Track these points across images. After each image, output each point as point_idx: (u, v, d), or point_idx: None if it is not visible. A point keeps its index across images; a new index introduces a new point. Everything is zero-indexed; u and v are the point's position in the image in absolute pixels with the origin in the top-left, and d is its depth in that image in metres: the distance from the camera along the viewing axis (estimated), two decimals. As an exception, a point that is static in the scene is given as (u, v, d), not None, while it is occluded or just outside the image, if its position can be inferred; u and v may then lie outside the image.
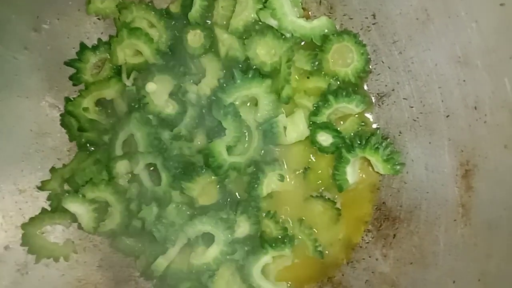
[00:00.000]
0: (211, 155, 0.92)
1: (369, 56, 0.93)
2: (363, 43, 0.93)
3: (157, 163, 0.95)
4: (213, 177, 0.98)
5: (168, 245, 0.97)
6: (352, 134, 0.95)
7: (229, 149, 0.94)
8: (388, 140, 0.93)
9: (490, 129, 0.78)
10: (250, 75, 0.92)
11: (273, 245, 0.96)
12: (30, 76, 1.03)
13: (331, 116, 0.95)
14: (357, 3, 0.93)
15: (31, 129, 1.06)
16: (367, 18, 0.93)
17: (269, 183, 0.97)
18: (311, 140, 0.96)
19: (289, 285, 1.02)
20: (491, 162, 0.80)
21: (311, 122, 0.96)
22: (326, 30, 0.92)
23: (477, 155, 0.81)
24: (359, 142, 0.91)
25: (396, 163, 0.90)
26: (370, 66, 0.96)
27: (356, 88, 0.95)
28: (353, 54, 0.92)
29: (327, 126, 0.94)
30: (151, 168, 0.99)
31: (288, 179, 0.99)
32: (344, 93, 0.92)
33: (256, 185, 0.96)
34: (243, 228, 0.98)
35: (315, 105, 0.95)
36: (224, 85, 0.91)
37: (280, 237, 0.98)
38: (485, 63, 0.77)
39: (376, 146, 0.89)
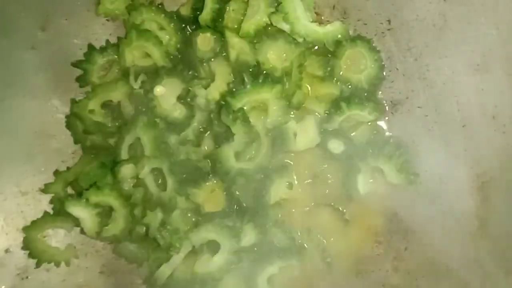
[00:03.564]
0: (219, 161, 0.90)
1: (383, 63, 0.91)
2: (377, 49, 0.91)
3: (163, 167, 0.93)
4: (220, 184, 0.96)
5: (172, 252, 0.95)
6: (364, 142, 0.93)
7: (237, 155, 0.92)
8: (402, 149, 0.91)
9: (509, 140, 0.76)
10: (260, 80, 0.91)
11: (280, 255, 0.93)
12: (36, 75, 1.02)
13: (343, 123, 0.93)
14: (371, 8, 0.91)
15: (35, 130, 1.05)
16: (382, 23, 0.91)
17: (277, 191, 0.95)
18: (322, 148, 0.94)
19: (295, 296, 0.99)
20: (509, 174, 0.77)
21: (322, 129, 0.94)
22: (339, 36, 0.90)
23: (494, 167, 0.79)
24: (371, 151, 0.89)
25: (410, 173, 0.87)
26: (384, 73, 0.94)
27: (369, 96, 0.93)
28: (367, 61, 0.91)
29: (338, 133, 0.92)
30: (156, 173, 0.97)
31: (297, 187, 0.96)
32: (356, 100, 0.90)
33: (264, 193, 0.94)
34: (249, 236, 0.96)
35: (326, 111, 0.93)
36: (234, 89, 0.90)
37: (287, 246, 0.95)
38: (506, 71, 0.75)
39: (389, 155, 0.87)
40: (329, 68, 0.93)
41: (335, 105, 0.92)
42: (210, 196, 0.97)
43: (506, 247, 0.78)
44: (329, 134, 0.93)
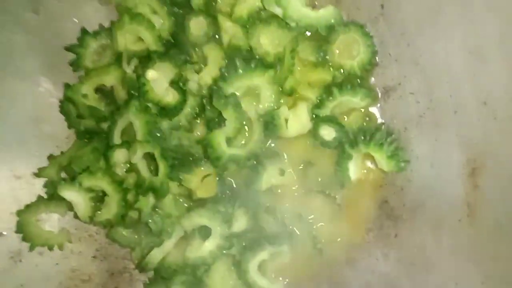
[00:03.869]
0: (210, 146, 0.90)
1: (376, 48, 0.90)
2: (370, 34, 0.90)
3: (155, 152, 0.92)
4: (212, 169, 0.96)
5: (163, 237, 0.95)
6: (356, 129, 0.92)
7: (229, 141, 0.91)
8: (393, 136, 0.90)
9: (501, 126, 0.75)
10: (252, 65, 0.90)
11: (271, 241, 0.93)
12: (28, 59, 1.01)
13: (335, 109, 0.93)
14: (365, -8, 0.90)
15: (29, 115, 1.04)
16: (375, 8, 0.90)
17: (269, 177, 0.94)
18: (314, 134, 0.93)
19: (286, 283, 0.99)
20: (500, 160, 0.76)
21: (314, 115, 0.93)
22: (332, 20, 0.89)
23: (486, 153, 0.78)
24: (363, 138, 0.88)
25: (401, 160, 0.87)
26: (377, 59, 0.93)
27: (361, 82, 0.92)
28: (359, 46, 0.90)
29: (330, 120, 0.91)
30: (149, 158, 0.97)
31: (288, 174, 0.96)
32: (349, 86, 0.89)
33: (255, 179, 0.93)
34: (240, 222, 0.96)
35: (318, 97, 0.92)
36: (226, 74, 0.89)
37: (278, 233, 0.95)
38: (499, 56, 0.73)
39: (380, 142, 0.87)
40: (321, 54, 0.92)
41: (327, 90, 0.91)
42: (202, 181, 0.97)
43: (494, 234, 0.78)
44: (321, 120, 0.92)
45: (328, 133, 0.92)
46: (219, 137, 0.90)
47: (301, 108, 0.93)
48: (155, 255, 0.97)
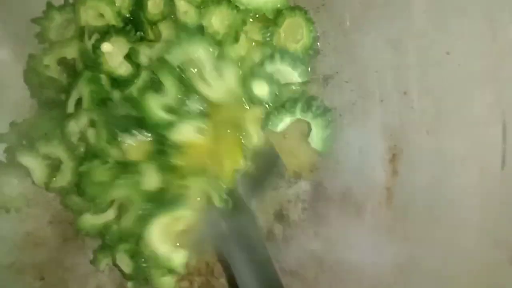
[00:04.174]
0: (139, 107, 0.94)
1: (318, 34, 0.95)
2: (312, 20, 0.95)
3: (98, 120, 0.97)
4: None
5: (95, 204, 1.00)
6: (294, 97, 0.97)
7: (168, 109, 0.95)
8: (329, 113, 0.95)
9: (416, 115, 0.80)
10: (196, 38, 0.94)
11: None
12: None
13: (274, 75, 0.96)
14: (307, -17, 0.95)
15: (-5, 82, 1.09)
16: (317, -1, 0.95)
17: (185, 131, 0.96)
18: (245, 89, 0.95)
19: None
20: (414, 147, 0.82)
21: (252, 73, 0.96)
22: (279, 5, 0.94)
23: (403, 140, 0.83)
24: (300, 104, 0.93)
25: (329, 142, 0.92)
26: (319, 47, 0.98)
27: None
28: (303, 31, 0.95)
29: (267, 75, 0.94)
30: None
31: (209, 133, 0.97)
32: (290, 58, 0.94)
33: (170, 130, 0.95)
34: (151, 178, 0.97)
35: (260, 60, 0.96)
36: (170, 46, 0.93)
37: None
38: (415, 49, 0.79)
39: (318, 112, 0.92)
40: (269, 34, 0.96)
41: (269, 55, 0.95)
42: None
43: (406, 216, 0.83)
44: (256, 74, 0.95)
45: (262, 88, 0.94)
46: (152, 101, 0.93)
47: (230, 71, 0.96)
48: (84, 220, 1.02)
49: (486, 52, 0.67)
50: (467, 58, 0.70)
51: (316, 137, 0.93)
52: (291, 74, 0.95)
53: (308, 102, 0.93)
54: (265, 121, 0.97)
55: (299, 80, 0.95)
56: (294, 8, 0.95)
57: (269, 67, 0.95)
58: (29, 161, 1.05)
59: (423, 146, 0.80)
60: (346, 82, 0.94)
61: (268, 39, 0.97)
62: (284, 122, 0.96)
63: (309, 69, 0.97)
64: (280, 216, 1.03)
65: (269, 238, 1.05)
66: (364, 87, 0.90)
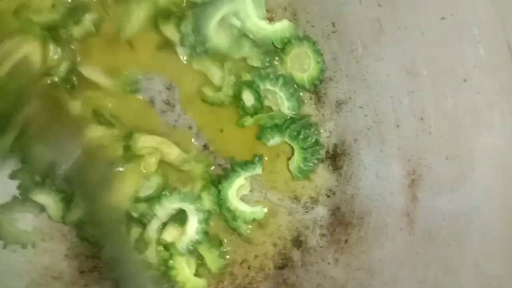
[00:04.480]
0: None
1: (325, 65, 0.96)
2: (321, 52, 0.95)
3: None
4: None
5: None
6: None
7: None
8: (312, 129, 0.96)
9: (434, 140, 0.80)
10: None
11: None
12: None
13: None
14: (318, 11, 0.95)
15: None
16: (327, 26, 0.95)
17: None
18: (236, 95, 0.97)
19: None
20: (433, 173, 0.82)
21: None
22: (287, 34, 0.94)
23: (422, 165, 0.83)
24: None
25: (309, 167, 0.95)
26: (332, 73, 0.98)
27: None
28: (310, 61, 0.95)
29: (255, 88, 0.95)
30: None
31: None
32: (293, 87, 0.95)
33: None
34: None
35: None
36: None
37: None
38: (430, 74, 0.79)
39: (297, 130, 0.94)
40: (268, 58, 0.96)
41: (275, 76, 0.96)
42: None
43: (428, 242, 0.83)
44: (245, 84, 0.96)
45: (248, 98, 0.96)
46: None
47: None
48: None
49: (504, 78, 0.67)
50: (484, 85, 0.70)
51: (295, 163, 0.95)
52: (282, 103, 0.96)
53: (300, 131, 0.94)
54: (259, 133, 0.98)
55: (286, 111, 0.95)
56: (302, 39, 0.95)
57: (267, 85, 0.95)
58: (44, 198, 1.06)
59: (443, 172, 0.80)
60: (360, 107, 0.94)
61: (267, 64, 0.97)
62: (274, 140, 0.97)
63: (299, 107, 0.98)
64: (298, 242, 1.03)
65: (288, 265, 1.05)
66: (379, 112, 0.90)
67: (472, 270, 0.76)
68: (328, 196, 0.99)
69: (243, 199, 1.00)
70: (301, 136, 0.95)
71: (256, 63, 0.97)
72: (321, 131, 1.00)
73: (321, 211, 0.99)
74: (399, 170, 0.87)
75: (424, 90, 0.80)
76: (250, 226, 1.01)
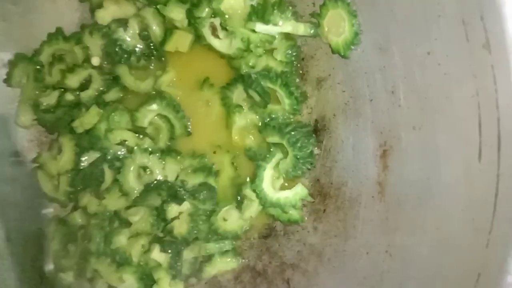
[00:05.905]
0: None
1: (360, 30, 0.91)
2: (355, 13, 0.91)
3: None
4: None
5: None
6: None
7: None
8: (311, 140, 1.02)
9: (403, 112, 0.85)
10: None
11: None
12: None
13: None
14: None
15: None
16: (308, 6, 1.00)
17: None
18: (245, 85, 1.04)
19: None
20: (402, 143, 0.87)
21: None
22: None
23: (392, 137, 0.88)
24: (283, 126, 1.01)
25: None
26: (315, 51, 1.03)
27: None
28: (345, 24, 0.92)
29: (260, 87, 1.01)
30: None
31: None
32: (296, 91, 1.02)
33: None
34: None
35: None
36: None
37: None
38: (399, 50, 0.84)
39: (296, 138, 1.00)
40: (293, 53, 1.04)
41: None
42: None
43: (397, 209, 0.88)
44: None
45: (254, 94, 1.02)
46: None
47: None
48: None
49: (461, 52, 0.72)
50: (444, 57, 0.75)
51: (285, 166, 1.01)
52: (282, 101, 1.02)
53: (299, 139, 0.99)
54: (261, 128, 1.04)
55: (286, 107, 1.01)
56: (337, 0, 0.92)
57: (268, 84, 1.02)
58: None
59: (410, 142, 0.85)
60: (339, 83, 0.99)
61: (293, 58, 1.02)
62: (272, 138, 1.03)
63: (299, 110, 1.04)
64: (281, 213, 1.08)
65: (271, 234, 1.11)
66: (355, 88, 0.95)
67: (434, 232, 0.81)
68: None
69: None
70: (298, 145, 0.98)
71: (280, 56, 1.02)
72: (303, 107, 1.06)
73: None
74: (373, 142, 0.92)
75: (394, 65, 0.85)
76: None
